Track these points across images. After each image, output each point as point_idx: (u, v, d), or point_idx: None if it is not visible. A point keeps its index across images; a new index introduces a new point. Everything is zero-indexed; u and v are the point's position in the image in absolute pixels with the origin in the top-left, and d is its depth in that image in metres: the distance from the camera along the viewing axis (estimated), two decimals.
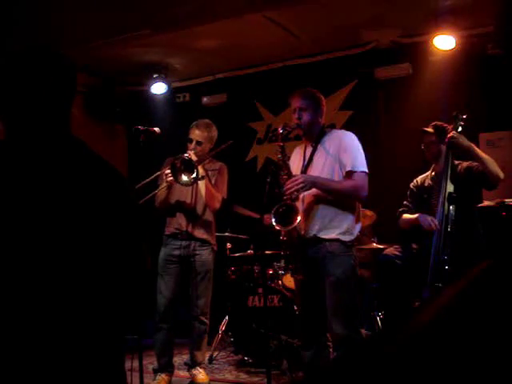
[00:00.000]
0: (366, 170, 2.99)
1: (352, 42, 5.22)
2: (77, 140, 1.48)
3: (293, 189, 2.88)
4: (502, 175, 3.33)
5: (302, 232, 3.00)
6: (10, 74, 1.45)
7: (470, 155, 3.39)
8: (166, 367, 3.80)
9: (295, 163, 3.17)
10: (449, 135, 3.41)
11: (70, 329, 1.32)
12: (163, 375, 3.76)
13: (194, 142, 3.77)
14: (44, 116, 1.44)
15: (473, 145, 3.41)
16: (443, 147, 3.58)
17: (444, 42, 4.74)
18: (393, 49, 5.23)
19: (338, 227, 2.96)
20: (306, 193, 2.99)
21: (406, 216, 3.63)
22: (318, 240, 2.97)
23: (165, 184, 3.68)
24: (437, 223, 3.36)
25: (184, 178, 3.51)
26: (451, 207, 3.35)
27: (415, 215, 3.53)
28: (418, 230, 3.48)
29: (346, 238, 2.95)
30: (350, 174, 2.96)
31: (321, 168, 3.02)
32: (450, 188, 3.40)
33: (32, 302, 1.30)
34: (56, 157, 1.41)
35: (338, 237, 2.94)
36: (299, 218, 2.88)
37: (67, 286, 1.33)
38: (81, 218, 1.36)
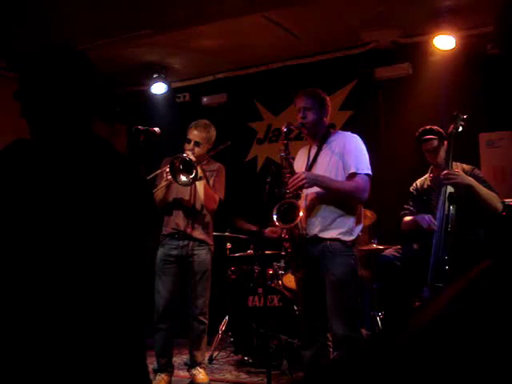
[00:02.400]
0: (370, 173, 3.00)
1: (352, 42, 5.22)
2: (99, 138, 1.50)
3: (295, 186, 2.89)
4: (500, 208, 3.38)
5: (304, 231, 3.01)
6: (35, 74, 1.47)
7: (470, 193, 3.34)
8: (166, 367, 3.80)
9: (299, 163, 3.18)
10: (444, 173, 3.38)
11: (87, 313, 1.34)
12: (163, 375, 3.76)
13: (192, 143, 3.77)
14: (69, 115, 1.47)
15: (472, 182, 3.34)
16: (443, 149, 3.60)
17: (444, 42, 4.74)
18: (393, 49, 5.23)
19: (339, 228, 2.97)
20: (309, 192, 3.00)
21: (406, 218, 3.65)
22: (318, 239, 2.98)
23: (163, 183, 3.68)
24: (434, 222, 3.38)
25: (183, 178, 3.52)
26: (451, 207, 3.35)
27: (411, 217, 3.56)
28: (418, 230, 3.49)
29: (347, 238, 2.96)
30: (352, 176, 2.96)
31: (325, 168, 3.02)
32: (451, 188, 3.40)
33: (44, 292, 1.32)
34: (80, 154, 1.45)
35: (338, 236, 2.95)
36: (301, 215, 2.89)
37: (89, 273, 1.35)
38: (101, 212, 1.40)
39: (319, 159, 3.08)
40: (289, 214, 2.93)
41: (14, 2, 4.16)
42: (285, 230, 3.03)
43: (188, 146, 3.77)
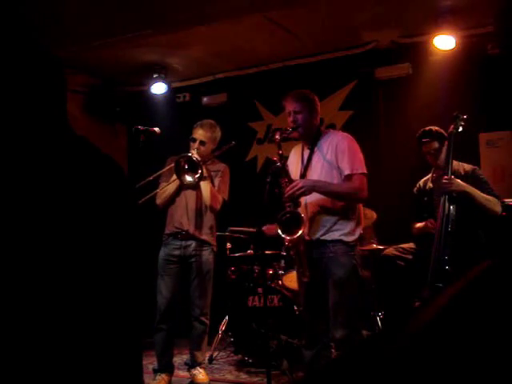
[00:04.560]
0: (365, 171, 2.99)
1: (352, 42, 5.21)
2: (75, 135, 1.47)
3: (294, 195, 2.89)
4: (499, 211, 3.38)
5: (307, 237, 3.00)
6: None
7: (467, 198, 3.34)
8: (166, 367, 3.80)
9: (293, 166, 3.17)
10: (443, 180, 3.37)
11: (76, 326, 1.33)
12: (163, 375, 3.76)
13: (197, 142, 3.78)
14: (38, 113, 1.44)
15: (468, 188, 3.34)
16: (444, 149, 3.61)
17: (444, 42, 4.74)
18: (393, 49, 5.23)
19: (340, 230, 2.98)
20: (308, 200, 2.99)
21: (417, 225, 3.69)
22: (321, 242, 2.98)
23: (172, 181, 3.68)
24: (433, 222, 3.40)
25: (188, 177, 3.52)
26: (451, 207, 3.35)
27: (422, 223, 3.58)
28: (427, 233, 3.51)
29: (349, 239, 2.97)
30: (349, 177, 2.96)
31: (319, 171, 3.02)
32: None
33: (30, 301, 1.30)
34: (54, 153, 1.41)
35: (340, 238, 2.96)
36: (303, 228, 2.88)
37: (67, 283, 1.33)
38: (76, 215, 1.37)
39: (312, 163, 3.07)
40: (291, 223, 2.91)
41: (14, 2, 4.16)
42: (288, 238, 3.00)
43: (193, 145, 3.77)
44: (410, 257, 3.65)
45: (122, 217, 1.48)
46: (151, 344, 3.84)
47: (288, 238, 2.93)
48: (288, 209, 2.95)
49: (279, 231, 2.92)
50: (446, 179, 3.35)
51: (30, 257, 1.31)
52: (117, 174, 1.51)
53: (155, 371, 3.79)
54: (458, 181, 3.35)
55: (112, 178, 1.50)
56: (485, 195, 3.36)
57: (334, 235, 2.96)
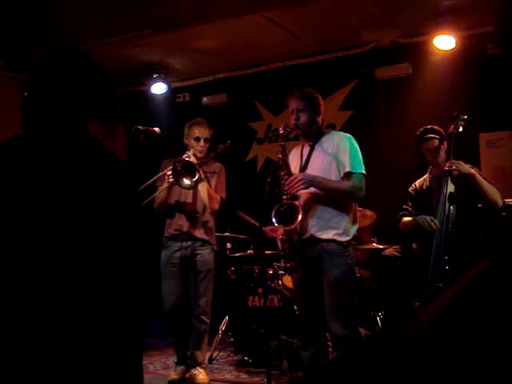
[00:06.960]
0: (364, 172, 3.00)
1: (352, 42, 5.22)
2: (91, 139, 1.50)
3: (292, 187, 2.89)
4: (500, 204, 3.37)
5: (299, 232, 3.01)
6: (43, 72, 1.50)
7: (471, 182, 3.35)
8: (184, 359, 3.92)
9: (293, 164, 3.18)
10: (447, 164, 3.38)
11: (76, 325, 1.33)
12: (183, 367, 3.91)
13: (202, 140, 3.80)
14: (67, 114, 1.49)
15: (474, 171, 3.36)
16: (443, 148, 3.61)
17: (444, 42, 4.74)
18: (393, 49, 5.23)
19: (334, 228, 2.97)
20: (304, 192, 3.00)
21: (406, 219, 3.63)
22: (315, 240, 2.98)
23: (165, 185, 3.68)
24: (437, 223, 3.37)
25: (186, 181, 3.53)
26: (451, 207, 3.35)
27: (414, 217, 3.55)
28: (418, 230, 3.48)
29: (342, 239, 2.97)
30: (348, 175, 2.97)
31: (318, 168, 3.03)
32: (451, 188, 3.40)
33: (37, 298, 1.31)
34: (69, 155, 1.45)
35: (334, 237, 2.95)
36: (300, 217, 2.89)
37: (72, 280, 1.34)
38: (84, 215, 1.39)
39: (312, 159, 3.08)
40: (288, 215, 2.92)
41: (14, 2, 4.16)
42: (283, 231, 3.03)
43: (199, 144, 3.78)
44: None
45: (130, 217, 1.49)
46: (151, 344, 3.85)
47: (284, 228, 2.94)
48: (285, 201, 2.96)
49: (274, 220, 2.93)
50: (453, 161, 3.35)
51: (38, 250, 1.32)
52: (126, 176, 1.53)
53: (176, 363, 3.95)
54: (466, 165, 3.37)
55: (121, 179, 1.52)
56: (488, 183, 3.37)
57: (328, 234, 2.96)
